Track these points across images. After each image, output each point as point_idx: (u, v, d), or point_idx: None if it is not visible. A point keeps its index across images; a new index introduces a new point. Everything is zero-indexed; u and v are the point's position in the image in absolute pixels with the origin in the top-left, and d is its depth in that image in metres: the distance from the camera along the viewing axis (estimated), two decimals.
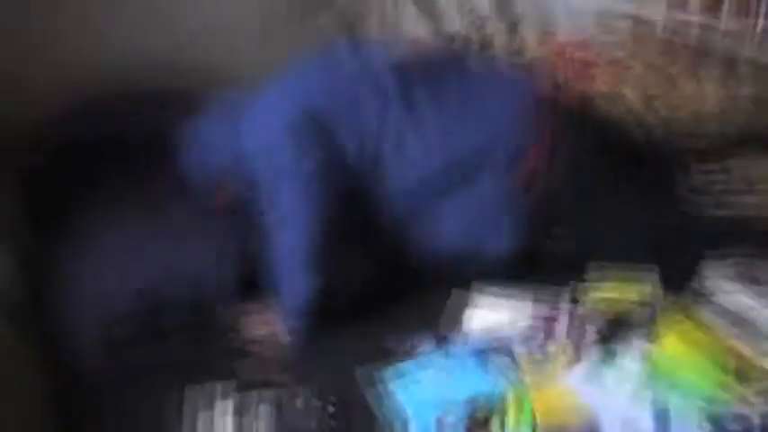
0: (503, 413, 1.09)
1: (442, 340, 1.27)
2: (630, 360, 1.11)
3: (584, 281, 1.34)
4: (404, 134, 1.40)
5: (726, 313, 1.25)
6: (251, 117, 1.46)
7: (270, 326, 1.39)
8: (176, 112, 2.03)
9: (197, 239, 1.54)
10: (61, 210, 1.66)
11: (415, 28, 2.28)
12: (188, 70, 2.17)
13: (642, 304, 1.28)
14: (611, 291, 1.32)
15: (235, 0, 2.27)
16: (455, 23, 2.18)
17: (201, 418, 1.18)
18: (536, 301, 1.32)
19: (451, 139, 1.41)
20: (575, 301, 1.31)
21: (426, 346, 1.26)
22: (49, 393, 1.32)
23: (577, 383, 1.14)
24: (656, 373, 1.09)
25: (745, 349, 1.13)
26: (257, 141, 1.42)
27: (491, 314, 1.30)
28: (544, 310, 1.29)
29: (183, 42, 2.18)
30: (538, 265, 1.41)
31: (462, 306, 1.34)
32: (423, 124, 1.41)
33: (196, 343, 1.38)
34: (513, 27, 2.05)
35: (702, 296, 1.30)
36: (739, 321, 1.23)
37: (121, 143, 1.91)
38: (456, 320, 1.30)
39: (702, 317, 1.22)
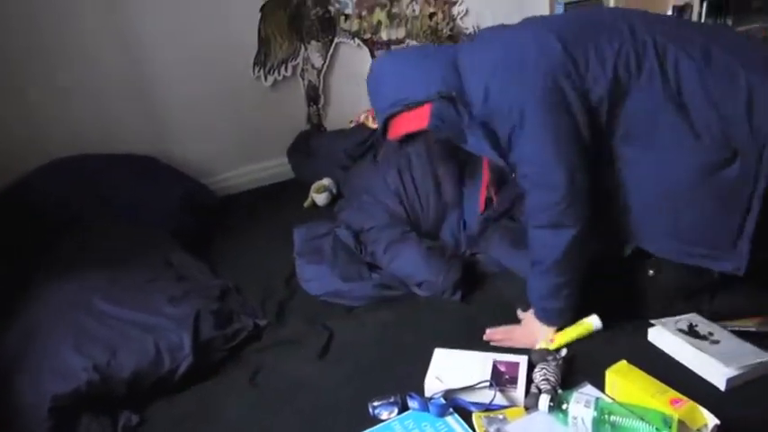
0: None
1: (403, 403, 1.28)
2: (580, 408, 1.14)
3: None
4: None
5: (670, 363, 1.32)
6: None
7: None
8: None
9: (153, 308, 1.53)
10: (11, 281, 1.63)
11: None
12: None
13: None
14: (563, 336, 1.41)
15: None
16: None
17: None
18: (488, 361, 1.35)
19: None
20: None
21: (389, 410, 1.27)
22: None
23: None
24: (604, 420, 1.12)
25: (687, 396, 1.17)
26: None
27: (450, 375, 1.32)
28: (499, 367, 1.33)
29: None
30: None
31: (428, 367, 1.35)
32: None
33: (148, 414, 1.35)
34: None
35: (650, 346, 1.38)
36: (682, 372, 1.29)
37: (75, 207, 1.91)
38: (418, 383, 1.32)
39: (648, 366, 1.27)
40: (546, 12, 2.59)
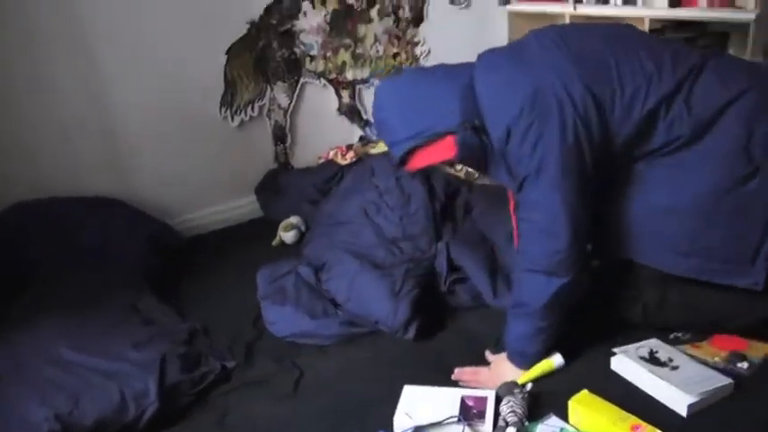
0: None
1: None
2: None
3: None
4: None
5: (633, 391, 1.34)
6: None
7: None
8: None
9: (116, 354, 1.50)
10: None
11: None
12: None
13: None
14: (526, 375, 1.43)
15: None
16: None
17: None
18: (457, 396, 1.35)
19: None
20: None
21: None
22: None
23: None
24: None
25: (650, 423, 1.20)
26: None
27: (419, 411, 1.32)
28: (467, 402, 1.34)
29: None
30: None
31: (397, 404, 1.35)
32: None
33: None
34: None
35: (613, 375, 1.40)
36: (644, 399, 1.31)
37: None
38: (387, 420, 1.31)
39: (612, 394, 1.30)
40: None
